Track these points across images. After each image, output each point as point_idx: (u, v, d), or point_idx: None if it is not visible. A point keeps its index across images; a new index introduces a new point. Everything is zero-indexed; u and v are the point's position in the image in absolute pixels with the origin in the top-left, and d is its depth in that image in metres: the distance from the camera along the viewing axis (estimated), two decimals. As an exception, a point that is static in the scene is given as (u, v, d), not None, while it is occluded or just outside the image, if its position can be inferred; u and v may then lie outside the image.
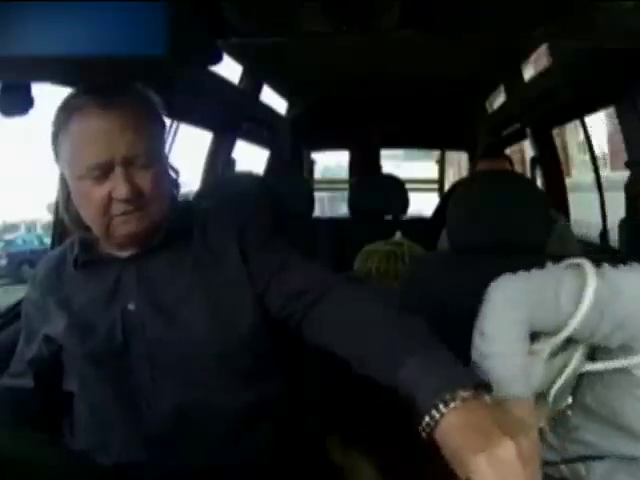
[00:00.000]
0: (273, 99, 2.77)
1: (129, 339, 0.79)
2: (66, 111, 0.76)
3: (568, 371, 0.77)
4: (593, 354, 0.78)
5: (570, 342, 0.77)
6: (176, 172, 0.87)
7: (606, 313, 0.69)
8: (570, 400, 0.80)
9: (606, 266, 0.73)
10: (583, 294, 0.69)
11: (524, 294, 0.75)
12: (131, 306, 0.80)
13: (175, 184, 0.88)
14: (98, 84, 0.77)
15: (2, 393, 0.85)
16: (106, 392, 0.79)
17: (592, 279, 0.70)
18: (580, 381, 0.80)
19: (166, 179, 0.83)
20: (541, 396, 0.78)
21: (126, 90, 0.79)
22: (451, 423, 0.55)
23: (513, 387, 0.72)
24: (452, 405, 0.56)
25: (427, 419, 0.56)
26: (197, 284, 0.81)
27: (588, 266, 0.72)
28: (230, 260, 0.83)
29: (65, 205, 0.83)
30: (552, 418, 0.82)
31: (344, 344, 0.73)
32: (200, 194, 1.46)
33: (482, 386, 0.60)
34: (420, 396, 0.59)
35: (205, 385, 0.79)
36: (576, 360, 0.77)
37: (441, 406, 0.56)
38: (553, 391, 0.78)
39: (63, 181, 0.81)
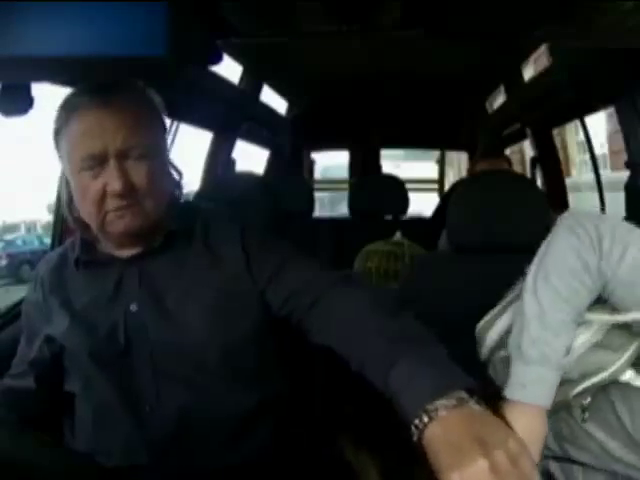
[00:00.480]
0: (273, 99, 2.77)
1: (131, 340, 0.79)
2: (67, 109, 0.77)
3: (607, 373, 0.70)
4: None
5: (621, 337, 0.70)
6: (179, 173, 0.87)
7: None
8: (589, 400, 0.73)
9: None
10: None
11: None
12: (133, 307, 0.80)
13: (178, 185, 0.87)
14: (99, 82, 0.78)
15: (3, 394, 0.85)
16: (108, 393, 0.78)
17: None
18: (616, 390, 0.72)
19: (164, 177, 0.83)
20: (564, 385, 0.71)
21: (126, 88, 0.79)
22: (433, 434, 0.55)
23: (540, 393, 0.67)
24: (434, 415, 0.56)
25: (412, 428, 0.57)
26: (199, 285, 0.81)
27: None
28: (233, 260, 0.83)
29: (68, 204, 0.83)
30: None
31: (342, 345, 0.73)
32: (200, 194, 1.46)
33: (471, 389, 0.59)
34: (405, 406, 0.59)
35: (208, 387, 0.78)
36: (621, 362, 0.70)
37: (424, 416, 0.56)
38: (583, 385, 0.71)
39: (66, 180, 0.82)
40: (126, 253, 0.83)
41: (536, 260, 0.72)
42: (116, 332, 0.79)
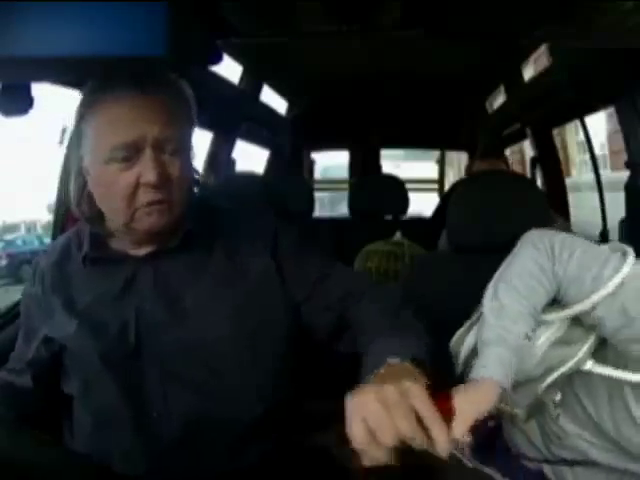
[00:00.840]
0: (273, 99, 2.77)
1: (142, 341, 0.76)
2: (95, 92, 0.73)
3: (570, 364, 0.76)
4: (605, 360, 0.76)
5: (580, 331, 0.77)
6: (196, 172, 0.84)
7: (628, 309, 0.69)
8: (559, 397, 0.79)
9: None
10: (618, 272, 0.70)
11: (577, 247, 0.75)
12: (146, 307, 0.77)
13: (197, 183, 0.84)
14: (131, 70, 0.73)
15: (1, 388, 0.82)
16: (112, 397, 0.75)
17: (629, 263, 0.71)
18: (579, 382, 0.78)
19: (191, 174, 0.79)
20: (532, 382, 0.77)
21: (160, 77, 0.76)
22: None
23: (496, 369, 0.71)
24: (376, 372, 0.62)
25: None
26: (218, 289, 0.78)
27: (630, 252, 0.74)
28: (259, 268, 0.80)
29: (79, 197, 0.78)
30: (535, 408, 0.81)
31: (358, 345, 0.76)
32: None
33: (417, 361, 0.65)
34: (364, 373, 0.65)
35: (218, 393, 0.75)
36: (582, 353, 0.76)
37: (371, 377, 0.62)
38: (549, 379, 0.76)
39: (78, 171, 0.77)
40: (141, 251, 0.79)
41: (500, 270, 0.80)
42: (126, 332, 0.76)
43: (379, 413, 0.54)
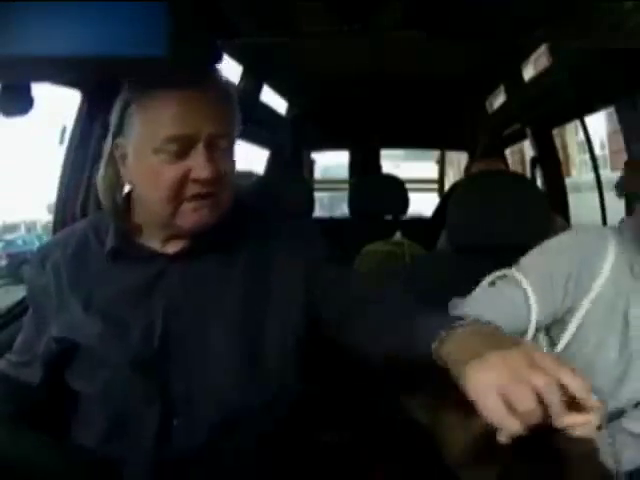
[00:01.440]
0: (273, 99, 2.77)
1: (168, 343, 0.73)
2: (146, 80, 0.72)
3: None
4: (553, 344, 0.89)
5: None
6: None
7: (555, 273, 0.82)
8: None
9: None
10: (528, 298, 0.84)
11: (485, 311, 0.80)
12: (173, 307, 0.74)
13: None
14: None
15: (0, 380, 0.80)
16: (133, 400, 0.72)
17: (525, 282, 0.85)
18: None
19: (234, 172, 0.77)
20: None
21: (212, 74, 0.76)
22: (452, 343, 0.57)
23: None
24: (451, 332, 0.58)
25: (434, 346, 0.58)
26: (248, 291, 0.76)
27: (514, 272, 0.88)
28: (291, 275, 0.78)
29: (112, 189, 0.76)
30: None
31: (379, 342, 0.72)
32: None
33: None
34: (428, 334, 0.60)
35: (238, 404, 0.73)
36: (542, 347, 0.87)
37: (442, 333, 0.59)
38: None
39: (110, 159, 0.75)
40: (171, 248, 0.77)
41: None
42: (151, 333, 0.73)
43: (513, 379, 0.49)
